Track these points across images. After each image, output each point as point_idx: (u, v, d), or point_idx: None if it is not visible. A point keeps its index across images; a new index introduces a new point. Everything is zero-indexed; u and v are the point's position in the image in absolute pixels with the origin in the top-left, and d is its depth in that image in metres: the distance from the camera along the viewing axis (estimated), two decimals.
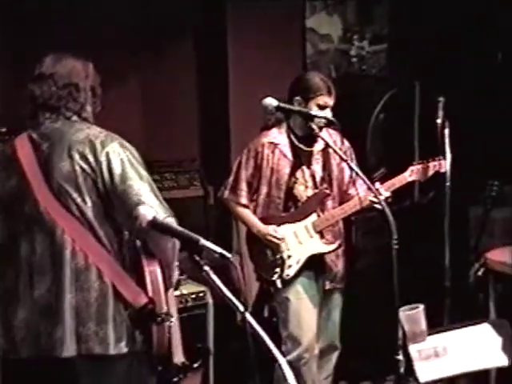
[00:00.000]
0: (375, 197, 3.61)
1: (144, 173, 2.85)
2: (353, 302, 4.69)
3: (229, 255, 2.43)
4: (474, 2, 5.59)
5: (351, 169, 3.65)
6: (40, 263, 2.82)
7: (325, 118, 3.83)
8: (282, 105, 3.55)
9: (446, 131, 4.29)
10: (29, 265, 2.83)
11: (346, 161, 3.59)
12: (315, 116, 3.70)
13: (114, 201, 2.81)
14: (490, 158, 5.57)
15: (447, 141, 4.27)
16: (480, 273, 4.65)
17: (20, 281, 2.84)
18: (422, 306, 3.63)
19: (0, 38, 4.80)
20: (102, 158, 2.79)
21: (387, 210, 3.38)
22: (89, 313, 2.79)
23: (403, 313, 3.59)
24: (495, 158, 5.54)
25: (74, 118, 2.92)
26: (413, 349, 3.61)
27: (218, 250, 2.44)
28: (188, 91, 5.62)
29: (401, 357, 3.38)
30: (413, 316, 3.62)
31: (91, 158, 2.80)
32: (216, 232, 5.39)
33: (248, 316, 2.31)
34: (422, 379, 3.56)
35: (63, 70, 2.92)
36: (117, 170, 2.79)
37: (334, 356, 4.50)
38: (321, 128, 4.03)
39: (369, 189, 3.60)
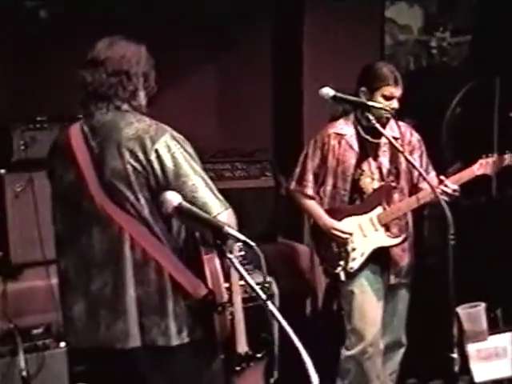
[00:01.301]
0: (433, 191, 3.52)
1: (197, 166, 2.80)
2: (423, 298, 4.60)
3: (252, 243, 2.40)
4: None
5: (407, 161, 3.57)
6: (98, 257, 2.82)
7: (380, 108, 3.75)
8: (339, 94, 3.49)
9: None
10: (86, 259, 2.84)
11: (401, 152, 3.53)
12: (371, 106, 3.62)
13: None
14: None
15: None
16: None
17: (78, 274, 2.87)
18: (483, 305, 3.54)
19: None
20: (153, 156, 2.74)
21: (445, 205, 3.29)
22: (150, 305, 2.79)
23: (463, 311, 3.51)
24: None
25: (125, 106, 2.87)
26: (472, 348, 3.52)
27: (242, 237, 2.41)
28: (263, 82, 5.63)
29: (455, 355, 3.30)
30: (473, 314, 3.54)
31: (141, 156, 2.75)
32: (287, 223, 5.38)
33: (270, 305, 2.27)
34: (477, 379, 3.47)
35: (115, 56, 2.86)
36: (169, 166, 2.74)
37: (400, 352, 4.43)
38: (387, 119, 3.97)
39: (427, 182, 3.53)
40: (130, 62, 2.87)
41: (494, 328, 4.13)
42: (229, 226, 2.47)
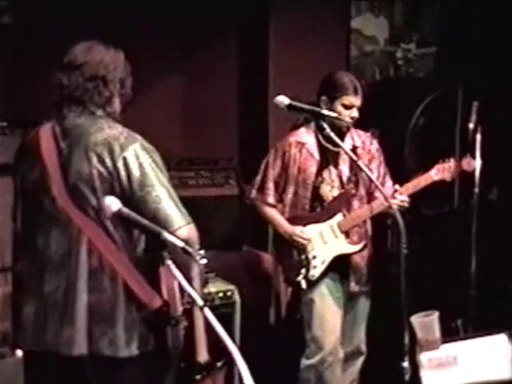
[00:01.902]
0: (386, 200, 3.55)
1: (163, 178, 2.79)
2: (384, 307, 4.62)
3: (191, 250, 2.40)
4: None
5: (361, 169, 3.59)
6: (54, 259, 2.80)
7: (335, 117, 3.75)
8: (294, 103, 3.48)
9: (478, 136, 4.21)
10: (42, 259, 2.81)
11: (355, 161, 3.54)
12: (326, 115, 3.62)
13: (131, 206, 2.72)
14: None
15: (478, 145, 4.19)
16: None
17: (33, 274, 2.84)
18: (436, 313, 3.55)
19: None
20: (120, 163, 2.73)
21: (397, 214, 3.31)
22: (101, 313, 2.77)
23: (416, 319, 3.52)
24: None
25: (99, 112, 2.85)
26: (424, 357, 3.53)
27: (180, 244, 2.41)
28: (228, 90, 5.64)
29: (406, 364, 3.31)
30: (426, 323, 3.55)
31: (109, 162, 2.73)
32: (252, 231, 5.38)
33: (206, 310, 2.26)
34: None
35: (92, 60, 2.85)
36: (135, 175, 2.73)
37: (360, 361, 4.44)
38: (347, 128, 4.00)
39: (380, 192, 3.57)
40: (108, 68, 2.87)
41: (455, 337, 4.15)
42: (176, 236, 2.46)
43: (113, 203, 2.57)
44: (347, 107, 4.01)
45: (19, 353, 4.11)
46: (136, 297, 2.77)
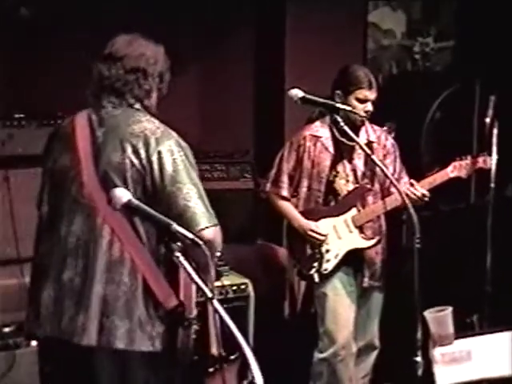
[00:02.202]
0: (401, 196, 3.53)
1: (195, 176, 2.79)
2: (398, 302, 4.60)
3: (200, 242, 2.38)
4: None
5: (375, 163, 3.58)
6: (75, 246, 2.79)
7: (349, 111, 3.74)
8: (308, 96, 3.48)
9: (495, 130, 4.18)
10: (64, 245, 2.81)
11: (369, 155, 3.53)
12: (339, 109, 3.61)
13: (159, 200, 2.74)
14: None
15: (495, 140, 4.17)
16: None
17: (53, 259, 2.83)
18: (450, 309, 3.54)
19: None
20: (155, 157, 2.73)
21: (411, 209, 3.30)
22: (115, 306, 2.74)
23: (430, 314, 3.51)
24: None
25: (137, 105, 2.87)
26: (437, 352, 3.52)
27: (190, 235, 2.40)
28: (244, 84, 5.63)
29: (419, 359, 3.30)
30: (439, 318, 3.55)
31: (143, 154, 2.73)
32: (266, 225, 5.38)
33: (215, 303, 2.25)
34: (439, 383, 3.48)
35: (133, 53, 2.87)
36: (168, 170, 2.72)
37: (373, 355, 4.43)
38: (362, 122, 3.98)
39: (395, 187, 3.55)
40: (148, 61, 2.88)
41: (469, 332, 4.14)
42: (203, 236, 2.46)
43: (123, 194, 2.54)
44: (361, 101, 4.00)
45: (34, 343, 4.15)
46: (153, 294, 2.75)
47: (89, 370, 2.78)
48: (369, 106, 4.01)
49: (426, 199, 3.97)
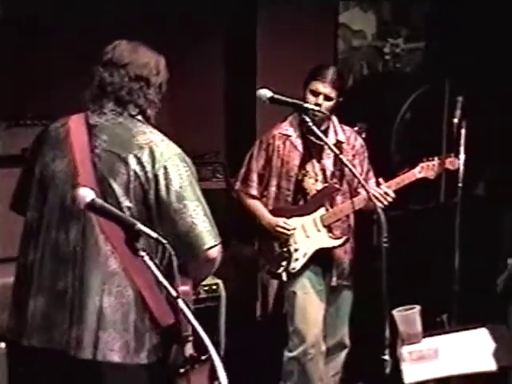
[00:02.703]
0: (368, 196, 3.56)
1: (199, 192, 2.74)
2: (367, 301, 4.63)
3: (164, 241, 2.34)
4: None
5: (343, 163, 3.59)
6: (70, 256, 2.69)
7: (316, 110, 3.72)
8: (276, 96, 3.47)
9: (463, 131, 4.22)
10: (57, 254, 2.71)
11: (338, 155, 3.53)
12: (307, 108, 3.58)
13: (164, 215, 2.68)
14: None
15: (463, 140, 4.21)
16: None
17: (44, 267, 2.73)
18: (418, 307, 3.56)
19: None
20: (161, 171, 2.66)
21: (379, 209, 3.33)
22: (112, 318, 2.66)
23: (398, 313, 3.54)
24: None
25: (139, 116, 2.79)
26: (405, 350, 3.55)
27: (154, 235, 2.35)
28: (215, 84, 5.65)
29: (387, 357, 3.32)
30: (408, 317, 3.56)
31: (148, 168, 2.66)
32: (238, 225, 5.38)
33: (180, 302, 2.22)
34: (407, 380, 3.50)
35: (138, 61, 2.79)
36: (174, 186, 2.67)
37: (343, 354, 4.45)
38: (323, 120, 4.01)
39: (363, 187, 3.57)
40: (152, 71, 2.82)
41: (437, 330, 4.17)
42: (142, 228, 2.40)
43: (87, 193, 2.45)
44: (314, 93, 4.01)
45: (2, 345, 4.11)
46: (149, 309, 2.69)
47: (83, 380, 2.71)
48: (320, 100, 4.00)
49: (390, 199, 3.98)
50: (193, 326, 2.20)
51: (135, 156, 2.67)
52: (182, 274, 2.68)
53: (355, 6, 5.81)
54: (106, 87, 2.77)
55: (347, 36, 5.81)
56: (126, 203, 2.68)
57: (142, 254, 2.34)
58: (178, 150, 2.78)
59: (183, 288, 2.73)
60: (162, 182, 2.67)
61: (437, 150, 5.10)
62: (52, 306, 2.70)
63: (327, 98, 4.02)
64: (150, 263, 2.33)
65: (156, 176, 2.67)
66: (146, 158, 2.67)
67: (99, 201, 2.45)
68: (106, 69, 2.79)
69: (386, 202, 3.95)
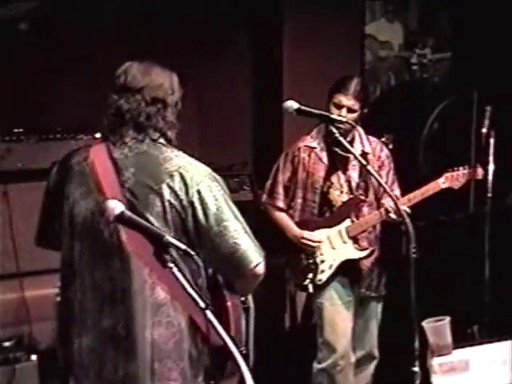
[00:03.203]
0: (396, 206, 3.55)
1: (236, 210, 2.69)
2: (398, 312, 4.61)
3: (193, 253, 2.31)
4: None
5: (370, 173, 3.57)
6: (112, 292, 2.65)
7: (343, 121, 3.70)
8: (303, 108, 3.47)
9: (491, 141, 4.20)
10: (100, 291, 2.66)
11: (365, 166, 3.51)
12: (334, 119, 3.57)
13: (205, 240, 2.64)
14: None
15: (491, 151, 4.19)
16: None
17: (88, 306, 2.69)
18: (448, 319, 3.53)
19: None
20: (195, 197, 2.61)
21: (407, 220, 3.30)
22: (166, 349, 2.64)
23: (428, 324, 3.51)
24: None
25: (160, 139, 2.71)
26: (435, 361, 3.52)
27: (183, 247, 2.32)
28: (243, 96, 5.68)
29: (417, 369, 3.30)
30: (438, 328, 3.53)
31: (182, 195, 2.61)
32: (266, 237, 5.38)
33: (209, 314, 2.23)
34: None
35: (152, 83, 2.71)
36: (211, 210, 2.61)
37: (372, 365, 4.43)
38: (347, 132, 3.98)
39: (391, 197, 3.57)
40: (167, 92, 2.74)
41: (467, 342, 4.14)
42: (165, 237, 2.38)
43: (116, 205, 2.42)
44: (337, 106, 3.99)
45: (34, 357, 4.16)
46: (201, 332, 2.64)
47: None
48: (343, 112, 3.97)
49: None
50: (222, 338, 2.20)
51: (167, 185, 2.61)
52: (229, 289, 2.77)
53: (381, 16, 5.81)
54: (124, 115, 2.70)
55: (374, 47, 5.82)
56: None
57: (171, 265, 2.32)
58: (208, 170, 2.72)
59: (234, 305, 2.78)
60: (199, 207, 2.61)
61: (465, 161, 5.10)
62: (100, 344, 2.67)
63: (351, 110, 4.01)
64: (179, 274, 2.32)
65: (192, 203, 2.61)
66: (178, 186, 2.61)
67: (128, 213, 2.42)
68: (121, 95, 2.71)
69: (399, 220, 3.90)
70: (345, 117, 3.91)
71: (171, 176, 2.62)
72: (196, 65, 5.43)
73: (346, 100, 4.00)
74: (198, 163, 2.72)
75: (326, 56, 5.53)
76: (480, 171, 4.18)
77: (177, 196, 2.61)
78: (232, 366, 2.64)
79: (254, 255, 2.66)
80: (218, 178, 2.73)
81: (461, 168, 4.11)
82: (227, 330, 2.53)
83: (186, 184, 2.62)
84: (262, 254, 2.70)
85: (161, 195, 2.61)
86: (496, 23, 5.59)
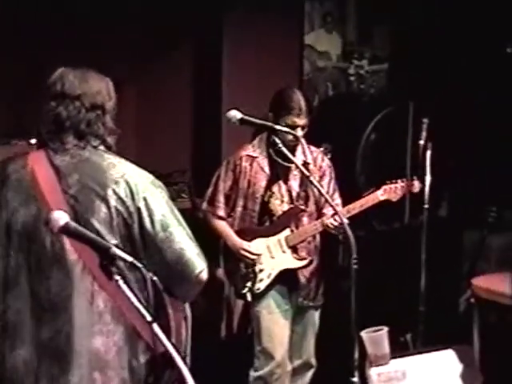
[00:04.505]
0: (339, 216, 3.60)
1: (179, 215, 2.68)
2: (334, 321, 4.64)
3: (139, 265, 2.28)
4: (478, 25, 5.56)
5: (312, 184, 3.62)
6: (54, 302, 2.59)
7: (287, 132, 3.73)
8: (246, 118, 3.47)
9: (428, 153, 4.27)
10: (38, 301, 2.60)
11: (307, 177, 3.54)
12: (278, 130, 3.60)
13: (150, 247, 2.62)
14: (489, 182, 5.53)
15: (428, 162, 4.27)
16: (472, 300, 4.59)
17: (24, 318, 2.62)
18: (385, 329, 3.56)
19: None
20: (141, 203, 2.59)
21: (348, 230, 3.33)
22: (106, 358, 2.60)
23: (366, 334, 3.53)
24: (494, 182, 5.49)
25: (101, 146, 2.68)
26: (373, 371, 3.55)
27: (129, 259, 2.29)
28: (181, 103, 5.66)
29: (356, 379, 3.33)
30: (376, 338, 3.55)
31: (129, 202, 2.59)
32: (204, 245, 5.36)
33: (155, 326, 2.19)
34: None
35: (91, 90, 2.67)
36: (157, 216, 2.60)
37: (309, 374, 4.44)
38: (294, 143, 4.01)
39: (332, 208, 3.63)
40: (105, 98, 2.72)
41: (404, 352, 4.19)
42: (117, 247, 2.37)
43: (61, 216, 2.36)
44: (290, 127, 3.98)
45: None
46: (143, 340, 2.61)
47: None
48: (299, 132, 4.01)
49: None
50: (167, 350, 2.17)
51: (113, 191, 2.59)
52: (169, 295, 2.69)
53: (320, 27, 5.85)
54: (63, 122, 2.65)
55: (312, 57, 5.85)
56: (112, 241, 2.57)
57: (117, 277, 2.28)
58: (151, 177, 2.72)
59: (175, 312, 2.72)
60: (145, 214, 2.60)
61: (401, 172, 5.18)
62: (37, 356, 2.60)
63: (304, 127, 4.06)
64: (125, 287, 2.28)
65: (138, 209, 2.60)
66: (124, 193, 2.59)
67: (73, 224, 2.37)
68: (59, 102, 2.67)
69: (339, 231, 3.97)
70: (298, 130, 3.98)
71: (116, 183, 2.59)
72: (136, 71, 5.41)
73: (299, 120, 4.03)
74: (141, 170, 2.72)
75: (266, 66, 5.55)
76: (417, 184, 4.25)
77: (123, 202, 2.59)
78: (169, 376, 2.63)
79: (199, 261, 2.66)
80: (160, 184, 2.74)
81: (399, 181, 4.17)
82: (168, 337, 2.48)
83: (131, 191, 2.60)
84: (205, 260, 2.70)
85: (107, 201, 2.59)
86: (431, 35, 5.70)
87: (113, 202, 2.59)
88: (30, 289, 2.62)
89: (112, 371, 2.61)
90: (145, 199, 2.61)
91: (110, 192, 2.59)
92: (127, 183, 2.61)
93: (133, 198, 2.60)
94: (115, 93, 2.79)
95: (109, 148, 2.72)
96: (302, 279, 4.25)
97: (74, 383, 2.58)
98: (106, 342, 2.60)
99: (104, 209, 2.59)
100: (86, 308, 2.59)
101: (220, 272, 5.27)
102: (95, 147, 2.67)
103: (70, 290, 2.59)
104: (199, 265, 2.65)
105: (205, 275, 2.68)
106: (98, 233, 2.55)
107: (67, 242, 2.58)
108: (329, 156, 4.55)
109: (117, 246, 2.38)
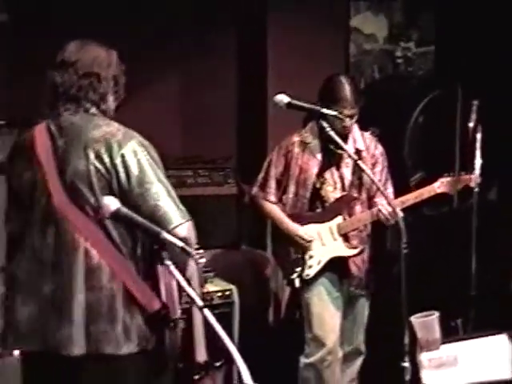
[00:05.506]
0: (390, 206, 3.57)
1: (161, 174, 2.78)
2: (385, 307, 4.61)
3: (190, 250, 2.39)
4: None
5: (362, 170, 3.59)
6: (51, 259, 2.77)
7: (335, 116, 3.67)
8: (294, 102, 3.45)
9: (478, 135, 4.20)
10: (40, 259, 2.78)
11: (358, 164, 3.51)
12: (326, 114, 3.55)
13: (129, 203, 2.70)
14: None
15: (478, 145, 4.19)
16: None
17: (30, 275, 2.80)
18: (436, 314, 3.54)
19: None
20: (118, 160, 2.72)
21: (400, 220, 3.32)
22: (100, 312, 2.73)
23: (416, 319, 3.52)
24: None
25: (93, 110, 2.84)
26: (424, 357, 3.53)
27: (180, 243, 2.40)
28: (227, 89, 5.63)
29: (407, 364, 3.30)
30: (426, 323, 3.54)
31: (106, 159, 2.72)
32: (251, 231, 5.36)
33: (206, 312, 2.25)
34: None
35: (86, 58, 2.84)
36: (134, 172, 2.72)
37: (359, 361, 4.44)
38: (346, 129, 3.96)
39: (384, 197, 3.60)
40: (101, 65, 2.86)
41: (455, 337, 4.16)
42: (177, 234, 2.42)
43: (111, 203, 2.55)
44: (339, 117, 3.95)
45: (16, 353, 4.08)
46: (134, 297, 2.75)
47: (79, 378, 2.76)
48: (347, 122, 3.98)
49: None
50: (217, 334, 2.21)
51: (93, 150, 2.73)
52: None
53: (366, 9, 5.78)
54: (57, 89, 2.83)
55: (359, 40, 5.79)
56: (92, 201, 2.74)
57: (168, 263, 2.40)
58: (135, 136, 2.80)
59: (163, 269, 2.75)
60: (122, 170, 2.72)
61: (450, 155, 5.12)
62: (42, 310, 2.76)
63: (353, 116, 4.02)
64: (176, 272, 2.36)
65: (115, 165, 2.72)
66: (103, 150, 2.72)
67: (124, 209, 2.53)
68: (57, 71, 2.84)
69: (392, 221, 3.91)
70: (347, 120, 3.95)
71: (98, 142, 2.75)
72: (180, 58, 5.39)
73: (348, 110, 3.98)
74: (128, 130, 2.83)
75: (311, 49, 5.49)
76: (474, 178, 4.14)
77: (101, 160, 2.73)
78: (171, 337, 2.81)
79: (175, 217, 2.71)
80: (146, 143, 2.83)
81: (456, 173, 4.09)
82: (159, 297, 2.76)
83: (111, 148, 2.73)
84: (185, 216, 2.75)
85: (86, 160, 2.73)
86: (480, 17, 5.59)
87: (92, 159, 2.73)
88: (34, 247, 2.79)
89: (105, 325, 2.73)
90: (122, 156, 2.73)
91: (89, 150, 2.74)
92: (107, 141, 2.74)
93: (110, 155, 2.73)
94: (122, 64, 2.95)
95: (103, 112, 2.87)
96: (354, 268, 4.22)
97: (70, 336, 2.71)
98: (98, 296, 2.72)
99: (83, 167, 2.73)
100: (80, 264, 2.73)
101: (266, 258, 5.28)
102: (87, 110, 2.83)
103: (64, 247, 2.75)
104: (175, 220, 2.71)
105: (182, 230, 2.72)
106: (80, 192, 2.73)
107: (58, 202, 2.75)
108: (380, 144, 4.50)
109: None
